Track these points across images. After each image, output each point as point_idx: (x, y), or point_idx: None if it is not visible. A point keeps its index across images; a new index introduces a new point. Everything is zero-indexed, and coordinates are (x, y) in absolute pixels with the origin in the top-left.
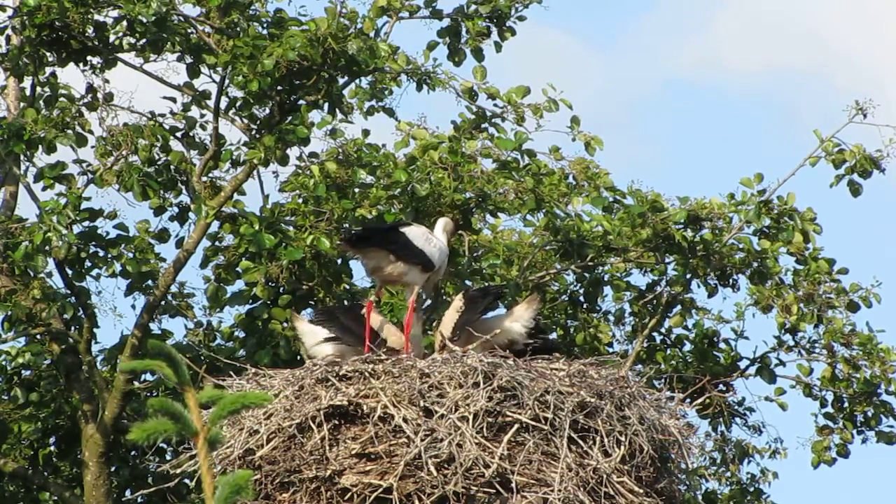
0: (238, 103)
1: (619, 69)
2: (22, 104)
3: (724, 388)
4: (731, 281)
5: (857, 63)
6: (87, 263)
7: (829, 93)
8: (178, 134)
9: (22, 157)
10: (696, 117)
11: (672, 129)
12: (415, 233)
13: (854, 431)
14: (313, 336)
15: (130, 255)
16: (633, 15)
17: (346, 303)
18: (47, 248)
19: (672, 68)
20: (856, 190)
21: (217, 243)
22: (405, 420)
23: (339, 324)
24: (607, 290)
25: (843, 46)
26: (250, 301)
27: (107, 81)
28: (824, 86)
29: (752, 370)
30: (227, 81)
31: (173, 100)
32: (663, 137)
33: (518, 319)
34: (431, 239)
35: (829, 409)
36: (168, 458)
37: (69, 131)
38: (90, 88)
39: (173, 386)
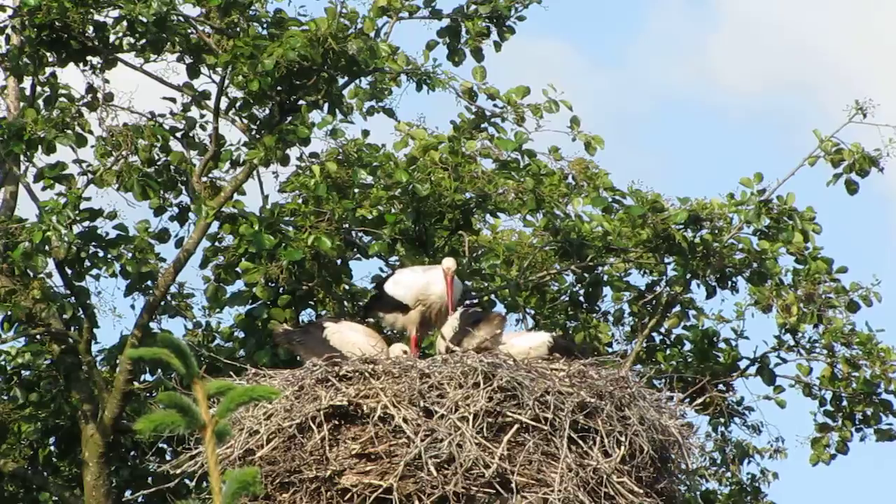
0: (238, 103)
1: (616, 85)
2: (22, 104)
3: (724, 388)
4: (730, 283)
5: (853, 77)
6: (87, 263)
7: (826, 106)
8: (178, 134)
9: (22, 157)
10: (693, 134)
11: (668, 145)
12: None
13: (853, 430)
14: (306, 355)
15: (130, 255)
16: (630, 30)
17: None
18: (47, 248)
19: (667, 85)
20: (853, 188)
21: (217, 243)
22: (405, 420)
23: (303, 344)
24: (607, 290)
25: (839, 61)
26: (250, 301)
27: (107, 81)
28: (822, 99)
29: (752, 370)
30: (227, 81)
31: (173, 100)
32: (659, 153)
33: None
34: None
35: (829, 408)
36: (168, 458)
37: (69, 131)
38: (90, 88)
39: (173, 386)
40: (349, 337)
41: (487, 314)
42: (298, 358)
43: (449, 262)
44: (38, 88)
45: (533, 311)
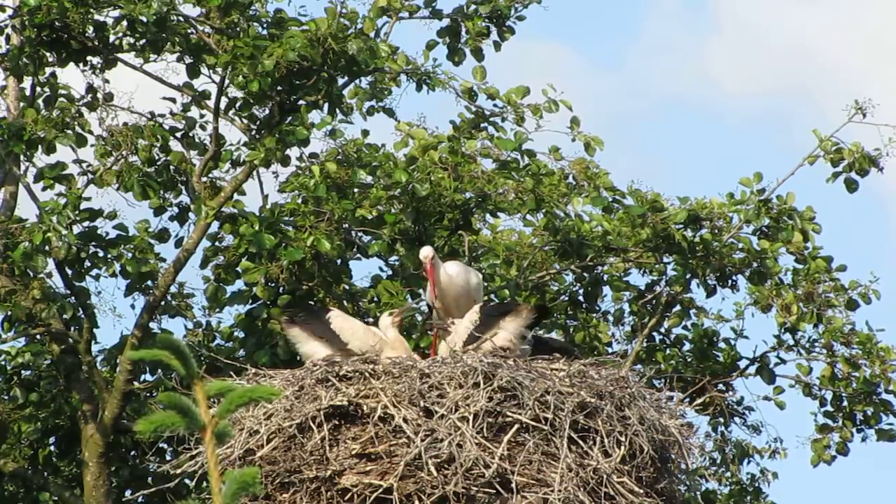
0: (238, 103)
1: (615, 86)
2: (22, 104)
3: (724, 388)
4: (730, 282)
5: (851, 79)
6: (87, 263)
7: (824, 108)
8: (178, 134)
9: (22, 157)
10: (691, 136)
11: (667, 147)
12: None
13: (854, 430)
14: (306, 339)
15: (130, 255)
16: (629, 32)
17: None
18: (47, 248)
19: (666, 87)
20: (852, 186)
21: (217, 243)
22: (405, 420)
23: (307, 323)
24: (607, 290)
25: (837, 63)
26: (250, 301)
27: (107, 81)
28: (820, 101)
29: (752, 370)
30: (226, 82)
31: (173, 100)
32: (658, 155)
33: (504, 328)
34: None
35: (829, 409)
36: (168, 458)
37: (69, 131)
38: (90, 88)
39: (173, 386)
40: (350, 323)
41: (513, 305)
42: (298, 358)
43: (425, 251)
44: (38, 88)
45: (531, 320)
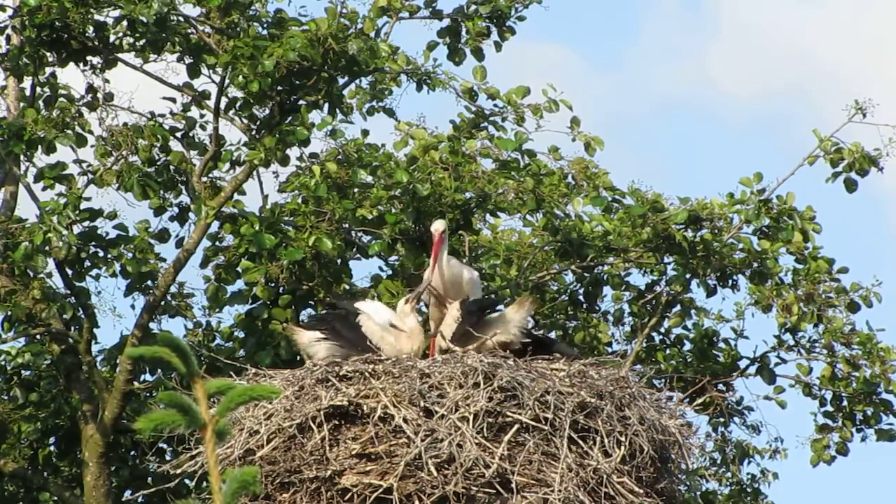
0: (238, 103)
1: (615, 87)
2: (22, 104)
3: (724, 388)
4: (730, 282)
5: (850, 81)
6: (87, 263)
7: (824, 110)
8: (178, 134)
9: (22, 157)
10: (691, 137)
11: (667, 148)
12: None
13: (853, 430)
14: (312, 342)
15: (130, 255)
16: (628, 34)
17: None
18: (47, 248)
19: (666, 88)
20: (851, 187)
21: (217, 243)
22: (405, 420)
23: (334, 329)
24: (607, 290)
25: (837, 65)
26: (250, 301)
27: (107, 81)
28: (819, 103)
29: (752, 370)
30: (227, 82)
31: (173, 100)
32: (658, 156)
33: (509, 321)
34: None
35: (829, 408)
36: (168, 458)
37: (69, 131)
38: (90, 88)
39: (173, 386)
40: (378, 328)
41: (492, 302)
42: (299, 358)
43: (437, 225)
44: (38, 88)
45: (533, 311)
